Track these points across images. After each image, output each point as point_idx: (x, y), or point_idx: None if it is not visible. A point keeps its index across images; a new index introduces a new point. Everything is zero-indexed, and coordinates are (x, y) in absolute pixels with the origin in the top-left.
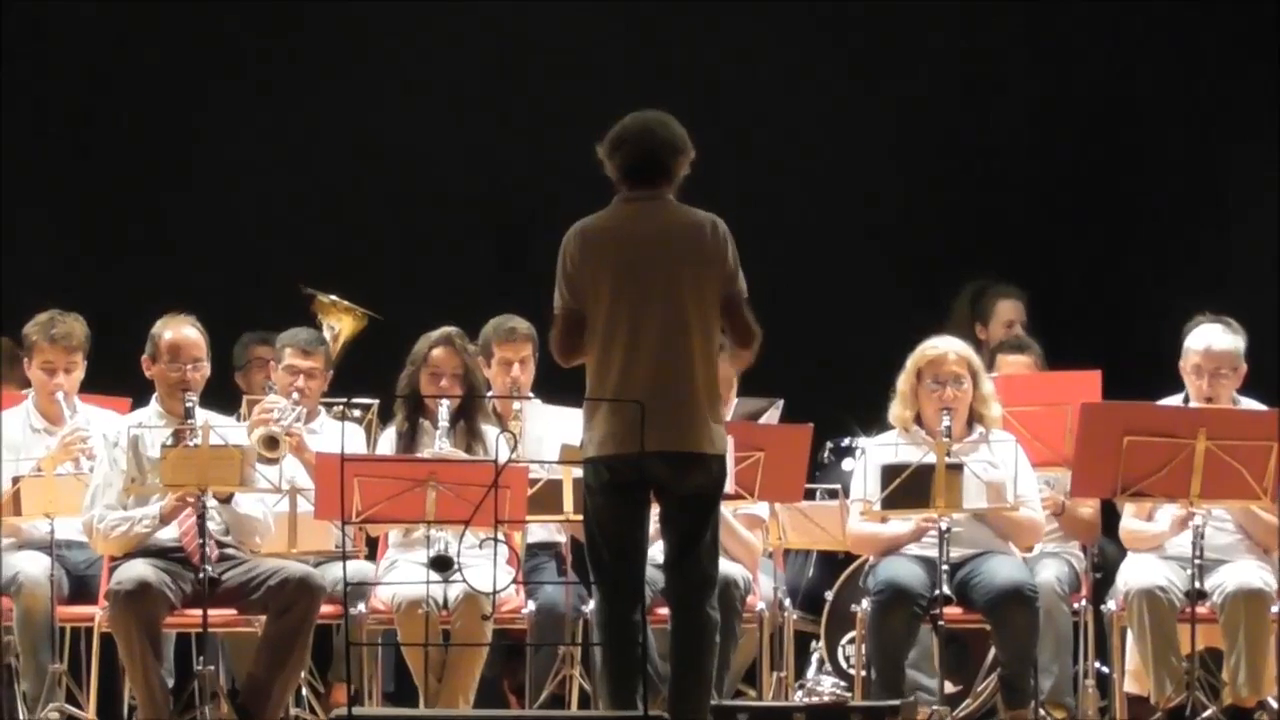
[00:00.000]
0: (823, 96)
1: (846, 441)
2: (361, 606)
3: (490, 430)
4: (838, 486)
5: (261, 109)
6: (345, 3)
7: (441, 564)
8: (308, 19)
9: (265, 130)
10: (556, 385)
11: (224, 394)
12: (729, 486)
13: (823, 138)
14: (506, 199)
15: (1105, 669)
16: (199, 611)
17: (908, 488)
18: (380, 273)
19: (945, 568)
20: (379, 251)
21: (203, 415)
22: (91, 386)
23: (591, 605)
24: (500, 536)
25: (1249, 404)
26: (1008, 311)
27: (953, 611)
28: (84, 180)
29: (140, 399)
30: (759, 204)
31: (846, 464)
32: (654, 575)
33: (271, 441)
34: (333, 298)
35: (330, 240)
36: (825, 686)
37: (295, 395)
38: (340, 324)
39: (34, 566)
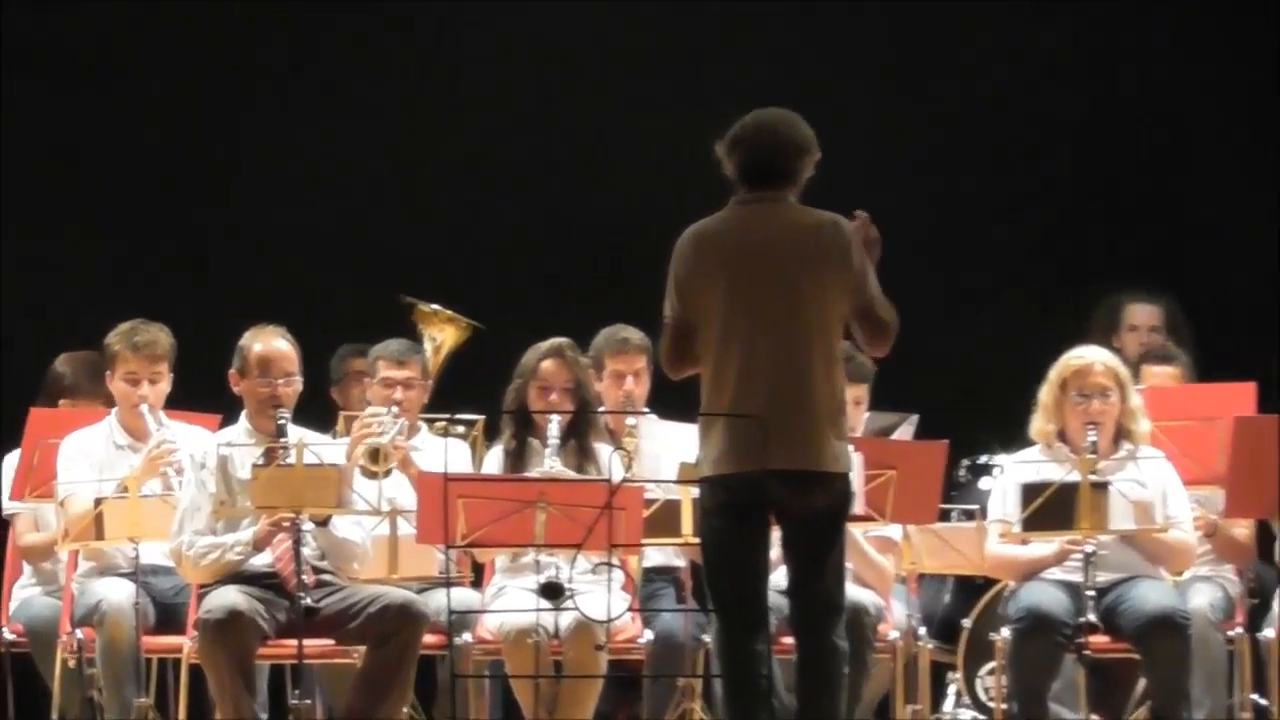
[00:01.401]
0: (945, 99)
1: (984, 459)
2: (467, 636)
3: (603, 448)
4: (975, 507)
5: (360, 114)
6: (443, 5)
7: (552, 591)
8: (401, 22)
9: (364, 135)
10: (673, 399)
11: (318, 410)
12: (859, 507)
13: (956, 144)
14: (616, 203)
15: (1263, 701)
16: (294, 642)
17: (1050, 508)
18: (484, 282)
19: (1091, 593)
20: (483, 260)
21: (296, 433)
22: (175, 404)
23: (711, 634)
24: (615, 561)
25: None
26: (1139, 316)
27: (1099, 640)
28: (164, 186)
29: (229, 417)
30: (892, 209)
31: (984, 483)
32: (778, 602)
33: (376, 454)
34: (434, 307)
35: (431, 249)
36: None
37: (394, 408)
38: (443, 335)
39: (118, 594)
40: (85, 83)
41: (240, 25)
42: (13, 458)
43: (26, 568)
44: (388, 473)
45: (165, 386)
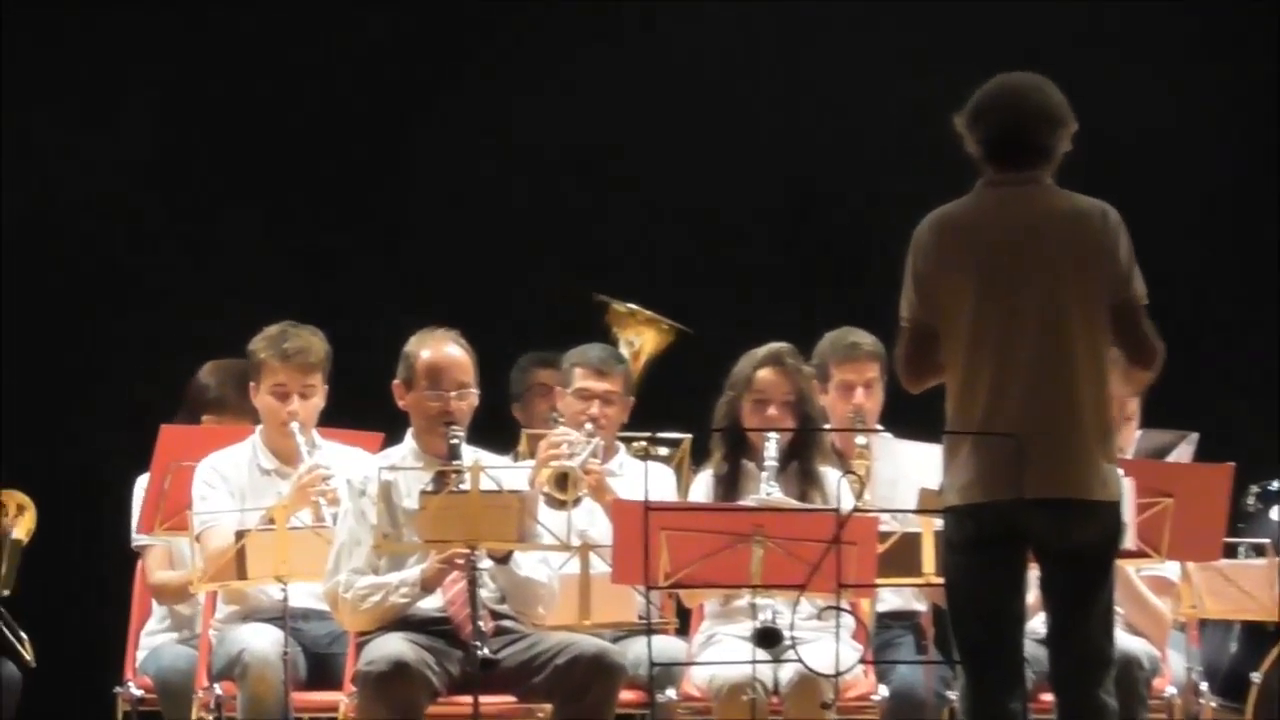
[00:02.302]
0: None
1: (1277, 484)
2: (671, 692)
3: (830, 472)
4: (1266, 541)
5: (544, 94)
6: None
7: (768, 638)
8: (583, 14)
9: (551, 114)
10: (912, 415)
11: (497, 428)
12: (1129, 541)
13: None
14: (844, 187)
15: None
16: (468, 699)
17: None
18: (690, 279)
19: None
20: (688, 254)
21: (471, 454)
22: (331, 421)
23: (958, 690)
24: (844, 604)
25: None
26: None
27: None
28: (329, 174)
29: (394, 435)
30: (1165, 199)
31: (1276, 512)
32: (1036, 652)
33: (564, 480)
34: (631, 307)
35: (628, 242)
36: None
37: (589, 426)
38: (641, 339)
39: (263, 642)
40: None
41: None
42: (143, 481)
43: (157, 610)
44: (578, 501)
45: (319, 401)
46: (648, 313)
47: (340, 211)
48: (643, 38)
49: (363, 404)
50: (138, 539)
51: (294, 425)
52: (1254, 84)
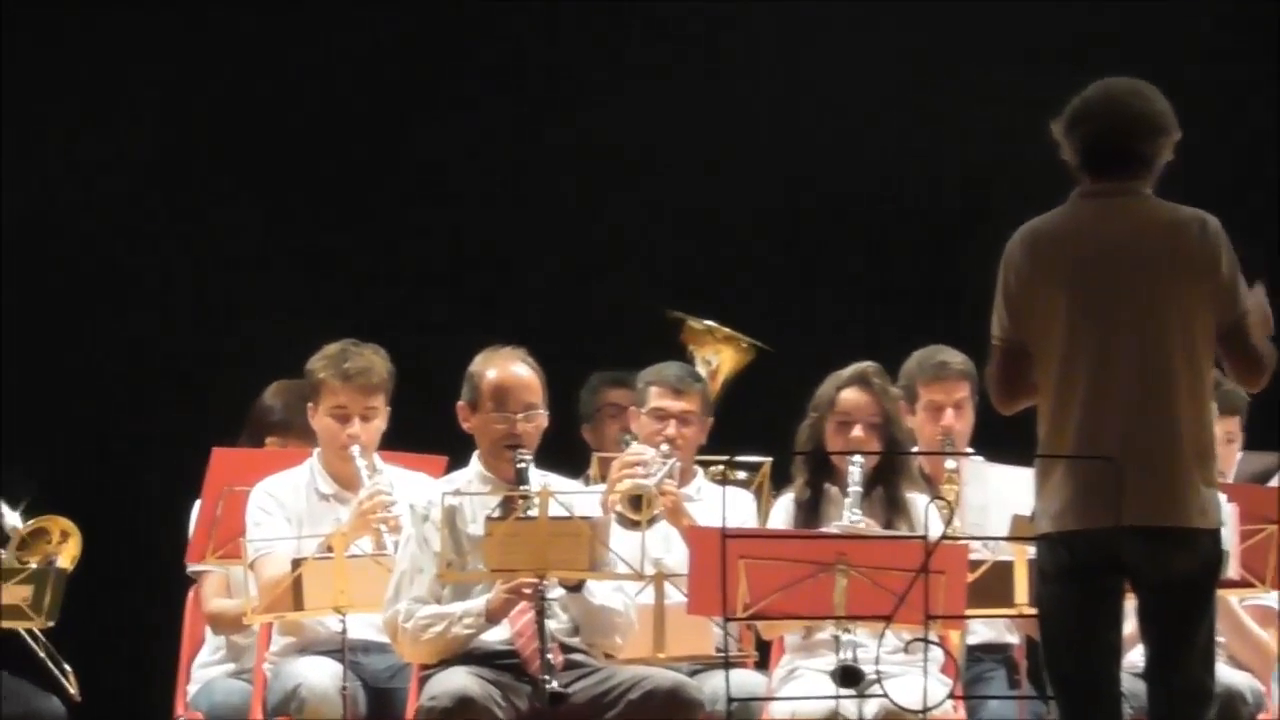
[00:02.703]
0: None
1: None
2: None
3: (917, 497)
4: None
5: (618, 100)
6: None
7: (849, 678)
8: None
9: (623, 123)
10: (1004, 437)
11: (565, 451)
12: (1231, 570)
13: None
14: (932, 201)
15: None
16: None
17: None
18: (768, 294)
19: None
20: (767, 268)
21: (540, 478)
22: (394, 444)
23: None
24: (933, 637)
25: None
26: None
27: None
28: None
29: (458, 458)
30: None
31: None
32: (1134, 687)
33: (638, 500)
34: (708, 324)
35: (705, 255)
36: None
37: (665, 447)
38: (718, 358)
39: (321, 676)
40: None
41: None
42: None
43: (210, 641)
44: (652, 522)
45: (380, 423)
46: (726, 330)
47: (408, 224)
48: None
49: (426, 426)
50: (194, 566)
51: (354, 449)
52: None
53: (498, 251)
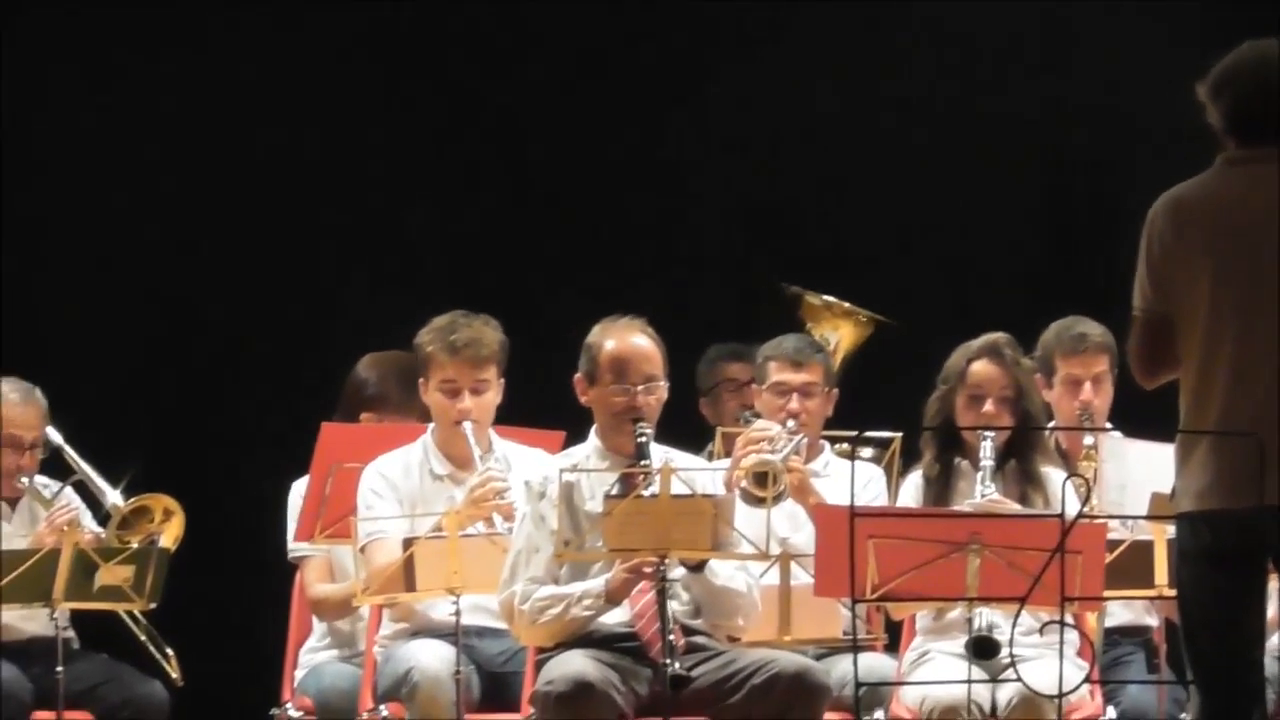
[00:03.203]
0: None
1: None
2: (879, 714)
3: (1053, 473)
4: None
5: (719, 83)
6: None
7: (984, 648)
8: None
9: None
10: (1144, 412)
11: (684, 426)
12: None
13: None
14: (1069, 163)
15: None
16: None
17: None
18: (892, 266)
19: None
20: (889, 238)
21: (661, 454)
22: (510, 417)
23: (1191, 712)
24: (1069, 619)
25: None
26: None
27: None
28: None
29: (576, 433)
30: None
31: None
32: (1276, 671)
33: (764, 476)
34: (827, 298)
35: (823, 225)
36: None
37: (790, 423)
38: (839, 334)
39: (433, 660)
40: None
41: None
42: (302, 485)
43: (318, 626)
44: (779, 499)
45: (493, 396)
46: (845, 304)
47: (520, 195)
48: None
49: (542, 400)
50: (295, 549)
51: (466, 425)
52: None
53: (617, 222)
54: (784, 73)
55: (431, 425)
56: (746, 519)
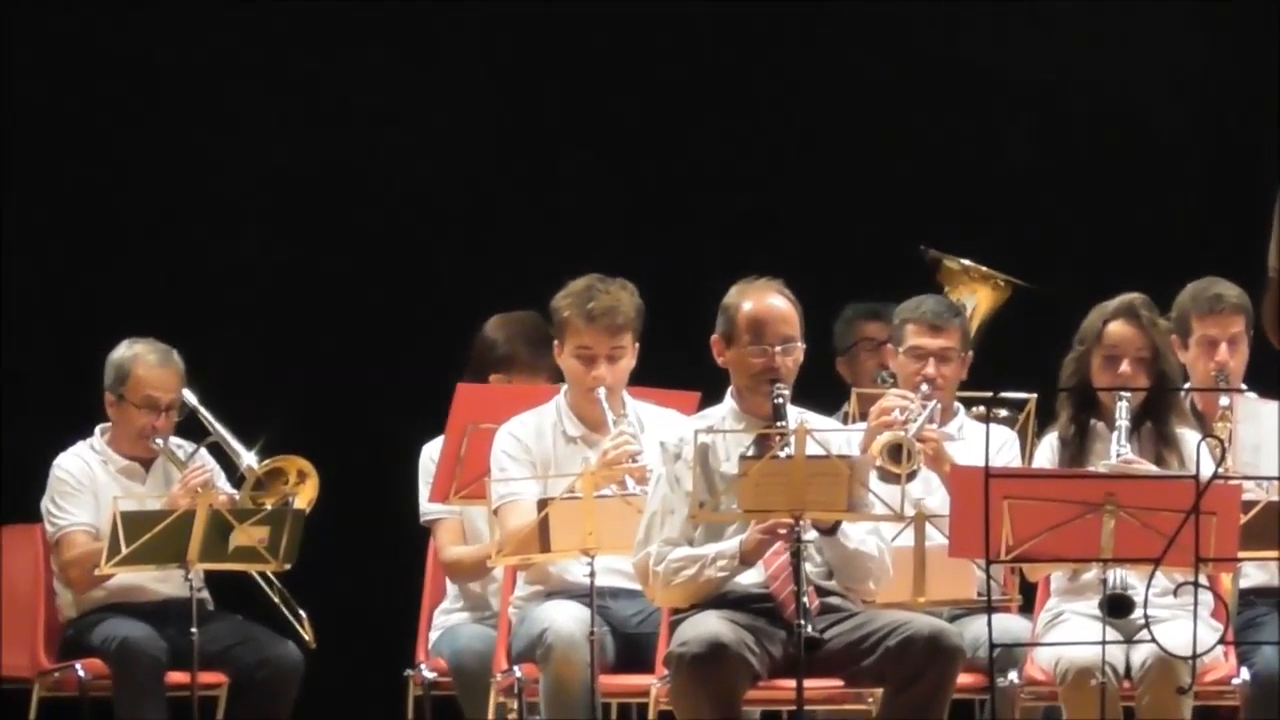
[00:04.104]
0: None
1: None
2: (1013, 675)
3: (1189, 435)
4: None
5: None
6: None
7: (1119, 606)
8: None
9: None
10: (1278, 372)
11: (822, 386)
12: None
13: None
14: (1202, 124)
15: None
16: (791, 683)
17: None
18: (1028, 228)
19: None
20: (1025, 200)
21: (796, 415)
22: (646, 377)
23: None
24: (1203, 580)
25: None
26: None
27: None
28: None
29: (712, 394)
30: None
31: None
32: None
33: (898, 451)
34: (965, 262)
35: (961, 188)
36: None
37: (925, 388)
38: (976, 298)
39: (568, 622)
40: None
41: None
42: (433, 447)
43: (451, 589)
44: (913, 475)
45: (628, 362)
46: (982, 268)
47: (660, 157)
48: None
49: (679, 361)
50: (427, 510)
51: (600, 392)
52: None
53: (754, 184)
54: (926, 28)
55: (565, 387)
56: (880, 487)
